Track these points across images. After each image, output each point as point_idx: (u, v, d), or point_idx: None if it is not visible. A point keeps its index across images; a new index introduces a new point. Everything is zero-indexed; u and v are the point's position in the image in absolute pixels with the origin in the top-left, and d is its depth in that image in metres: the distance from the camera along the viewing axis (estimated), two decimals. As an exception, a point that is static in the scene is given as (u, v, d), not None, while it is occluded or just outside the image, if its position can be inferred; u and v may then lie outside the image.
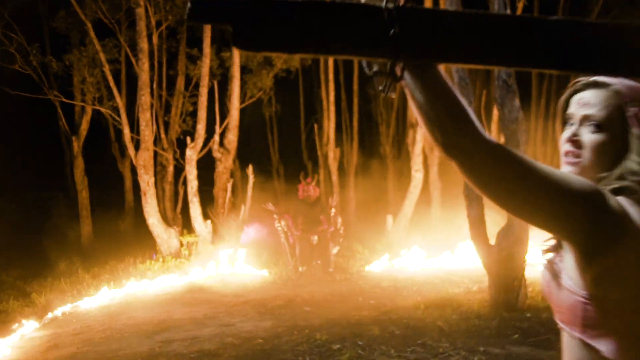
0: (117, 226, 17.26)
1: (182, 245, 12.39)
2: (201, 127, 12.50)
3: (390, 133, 20.87)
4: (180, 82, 15.85)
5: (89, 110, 15.24)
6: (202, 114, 12.57)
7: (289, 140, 20.43)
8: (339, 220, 11.10)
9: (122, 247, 14.01)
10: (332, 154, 17.47)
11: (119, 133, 14.77)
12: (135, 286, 10.39)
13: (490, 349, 5.85)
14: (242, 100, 16.65)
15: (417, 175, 14.61)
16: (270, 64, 16.08)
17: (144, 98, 11.81)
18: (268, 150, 21.02)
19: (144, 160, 11.96)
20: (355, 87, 19.62)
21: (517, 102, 7.11)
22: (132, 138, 13.08)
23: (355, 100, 19.64)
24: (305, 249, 10.58)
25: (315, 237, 10.57)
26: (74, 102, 14.79)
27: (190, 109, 15.83)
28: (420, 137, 14.57)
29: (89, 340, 7.06)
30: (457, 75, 7.46)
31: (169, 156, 15.09)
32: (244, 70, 16.19)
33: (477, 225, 7.41)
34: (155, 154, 15.62)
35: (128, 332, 7.32)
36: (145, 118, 11.86)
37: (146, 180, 12.04)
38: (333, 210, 11.12)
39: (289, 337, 6.62)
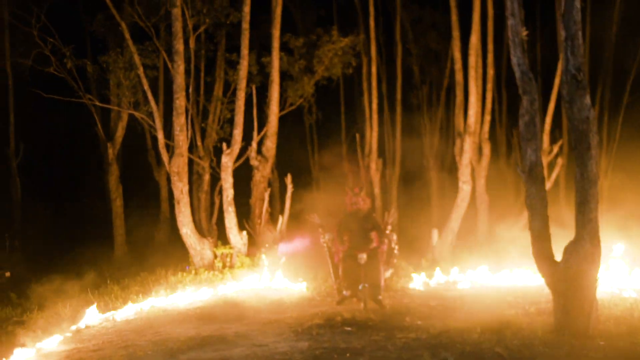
0: (151, 236, 16.82)
1: (216, 257, 11.79)
2: (238, 133, 11.92)
3: (434, 144, 20.09)
4: (218, 88, 15.41)
5: (124, 115, 14.88)
6: (239, 119, 12.00)
7: (330, 150, 19.72)
8: (394, 238, 9.30)
9: (155, 258, 13.54)
10: (374, 165, 16.76)
11: (156, 140, 14.35)
12: (165, 299, 9.82)
13: (562, 383, 5.01)
14: (281, 108, 16.09)
15: (465, 187, 13.76)
16: (311, 71, 15.48)
17: (179, 102, 11.31)
18: (308, 161, 20.38)
19: (177, 166, 11.43)
20: (399, 96, 18.94)
21: (587, 99, 6.27)
22: (167, 145, 12.58)
23: (399, 109, 18.94)
24: (350, 270, 8.68)
25: (364, 256, 8.60)
26: (109, 106, 14.35)
27: (228, 115, 15.34)
28: (468, 147, 13.73)
29: (108, 357, 6.45)
30: (519, 69, 6.67)
31: (205, 164, 14.61)
32: (284, 76, 15.65)
33: (541, 239, 6.57)
34: (191, 162, 15.16)
35: (152, 350, 6.69)
36: (179, 123, 11.35)
37: (180, 188, 11.50)
38: (389, 227, 9.25)
39: (328, 361, 5.89)
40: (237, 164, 14.34)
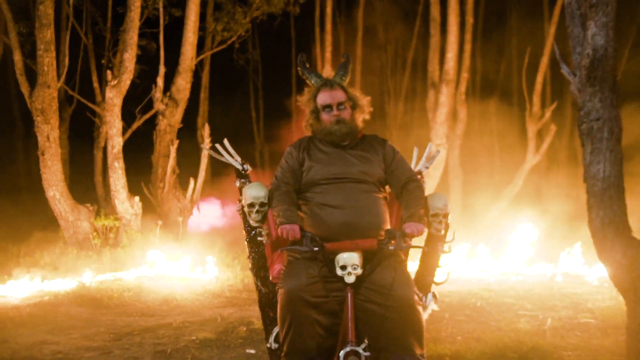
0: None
1: (95, 230, 8.43)
2: (128, 58, 8.43)
3: (397, 114, 17.19)
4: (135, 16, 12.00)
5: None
6: (132, 37, 8.50)
7: (278, 110, 16.44)
8: (445, 206, 3.09)
9: (24, 232, 10.02)
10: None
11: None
12: (-3, 290, 6.51)
13: None
14: (209, 47, 12.81)
15: (439, 151, 10.66)
16: (246, 3, 12.14)
17: (43, 8, 7.82)
18: (251, 124, 16.94)
19: (42, 102, 8.01)
20: (359, 52, 15.85)
21: None
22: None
23: (358, 68, 15.83)
24: (305, 304, 2.68)
25: (356, 258, 2.61)
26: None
27: (139, 52, 11.91)
28: (445, 100, 10.65)
29: None
30: None
31: (102, 112, 11.18)
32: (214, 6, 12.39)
33: (613, 201, 3.46)
34: (85, 109, 11.83)
35: None
36: (44, 38, 7.88)
37: (45, 133, 8.09)
38: (425, 168, 3.37)
39: None
40: (147, 115, 11.04)
